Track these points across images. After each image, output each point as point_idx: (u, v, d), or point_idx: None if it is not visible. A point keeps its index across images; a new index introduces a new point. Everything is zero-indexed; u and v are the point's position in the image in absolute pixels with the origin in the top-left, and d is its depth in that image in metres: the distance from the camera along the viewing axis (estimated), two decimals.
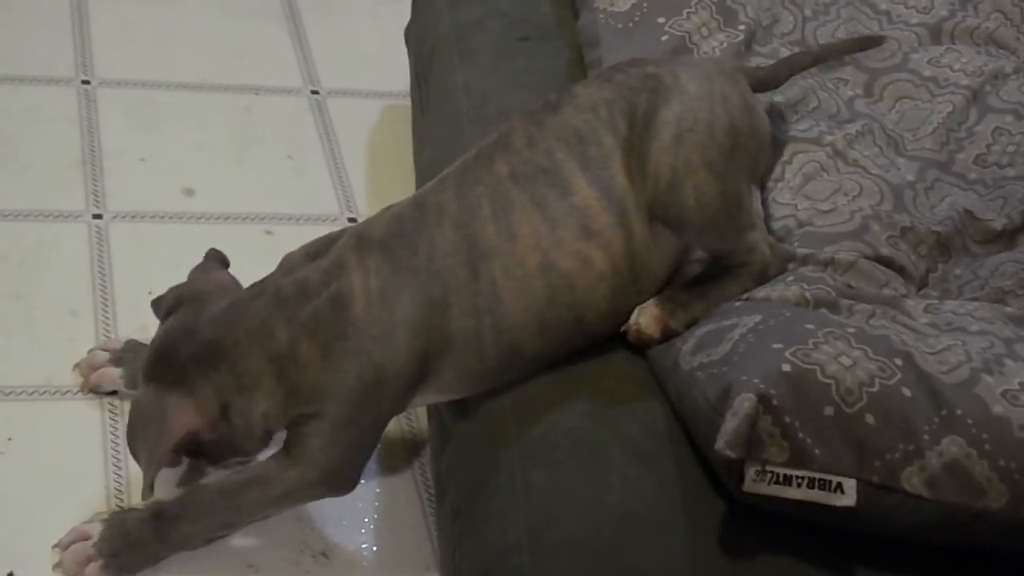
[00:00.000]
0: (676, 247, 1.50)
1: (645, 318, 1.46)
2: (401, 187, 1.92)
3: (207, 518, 1.46)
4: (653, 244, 1.46)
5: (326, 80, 2.28)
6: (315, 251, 1.49)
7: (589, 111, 1.48)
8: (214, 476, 1.50)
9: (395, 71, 2.24)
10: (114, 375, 1.64)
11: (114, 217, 1.92)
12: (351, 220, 2.02)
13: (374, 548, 1.57)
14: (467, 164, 1.48)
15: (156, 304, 1.55)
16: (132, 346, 1.66)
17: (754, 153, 1.51)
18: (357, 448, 1.45)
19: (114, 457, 1.60)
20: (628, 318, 1.46)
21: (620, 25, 1.77)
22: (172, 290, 1.53)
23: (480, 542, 1.33)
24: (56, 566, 1.44)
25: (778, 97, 1.68)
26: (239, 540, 1.52)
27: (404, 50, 2.17)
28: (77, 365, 1.67)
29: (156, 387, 1.43)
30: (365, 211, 2.03)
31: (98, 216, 1.92)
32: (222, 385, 1.42)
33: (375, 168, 2.14)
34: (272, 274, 1.50)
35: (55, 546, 1.45)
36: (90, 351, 1.67)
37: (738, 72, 1.58)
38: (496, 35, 1.91)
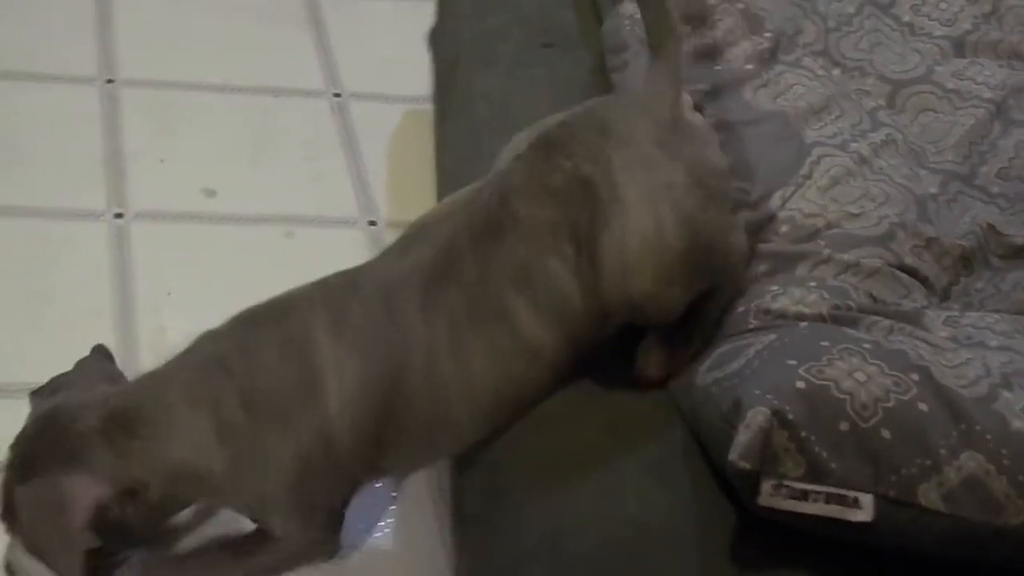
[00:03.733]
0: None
1: (652, 368, 1.45)
2: (421, 191, 1.92)
3: None
4: (604, 326, 1.44)
5: (348, 83, 2.29)
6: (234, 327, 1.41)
7: (533, 239, 1.41)
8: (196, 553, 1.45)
9: (417, 75, 2.24)
10: None
11: (135, 217, 1.93)
12: (371, 223, 2.02)
13: (389, 553, 1.58)
14: (430, 283, 1.41)
15: (36, 394, 1.44)
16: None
17: (720, 197, 1.46)
18: (329, 521, 1.45)
19: None
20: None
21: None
22: (52, 379, 1.44)
23: (494, 552, 1.33)
24: None
25: (801, 103, 1.67)
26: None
27: (427, 54, 2.17)
28: None
29: (40, 478, 1.31)
30: (385, 215, 2.03)
31: (119, 216, 1.92)
32: (143, 454, 1.32)
33: (395, 172, 2.14)
34: (193, 345, 1.41)
35: None
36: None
37: (675, 110, 1.47)
38: (519, 42, 1.91)
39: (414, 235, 1.47)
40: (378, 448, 1.41)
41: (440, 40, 2.12)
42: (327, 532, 1.46)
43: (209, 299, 1.81)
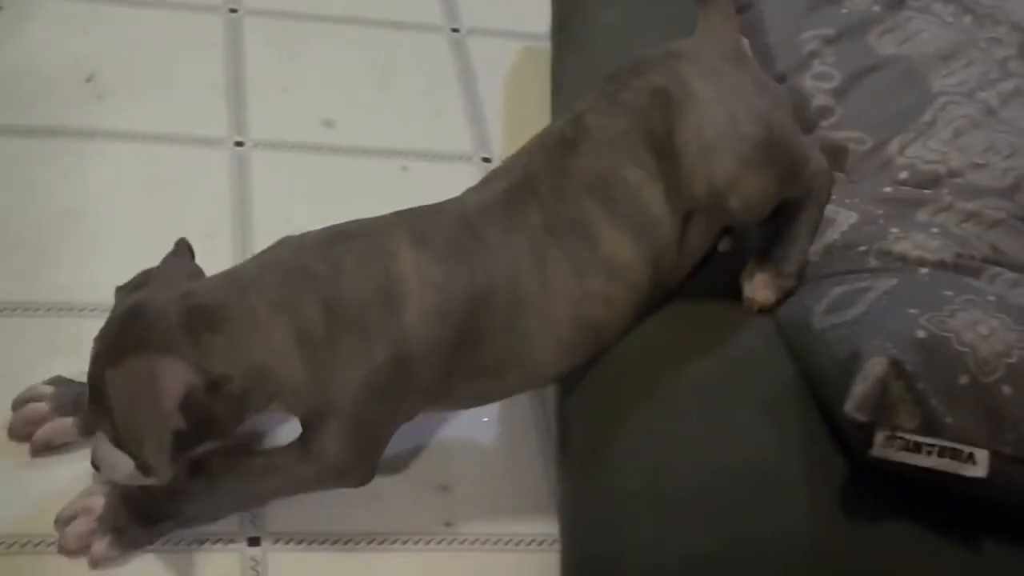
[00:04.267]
0: (713, 234, 1.52)
1: (758, 291, 1.46)
2: (536, 129, 1.89)
3: (221, 498, 1.44)
4: (686, 250, 1.48)
5: (467, 18, 2.28)
6: (321, 239, 1.43)
7: (607, 148, 1.45)
8: (224, 458, 1.44)
9: (535, 12, 2.23)
10: (65, 425, 1.48)
11: (255, 145, 1.96)
12: (485, 160, 2.02)
13: (493, 486, 1.59)
14: (510, 204, 1.45)
15: (122, 289, 1.46)
16: (64, 384, 1.50)
17: (786, 106, 1.52)
18: (372, 449, 1.46)
19: None
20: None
21: None
22: (137, 275, 1.46)
23: (599, 488, 1.34)
24: (59, 545, 1.39)
25: (928, 49, 1.63)
26: None
27: None
28: (10, 427, 1.48)
29: (134, 358, 1.31)
30: (499, 152, 2.03)
31: (239, 144, 1.95)
32: (225, 350, 1.34)
33: (511, 109, 2.14)
34: (273, 250, 1.45)
35: (56, 521, 1.40)
36: (16, 406, 1.49)
37: (736, 42, 1.56)
38: None
39: (495, 170, 1.52)
40: (448, 374, 1.43)
41: None
42: (367, 460, 1.46)
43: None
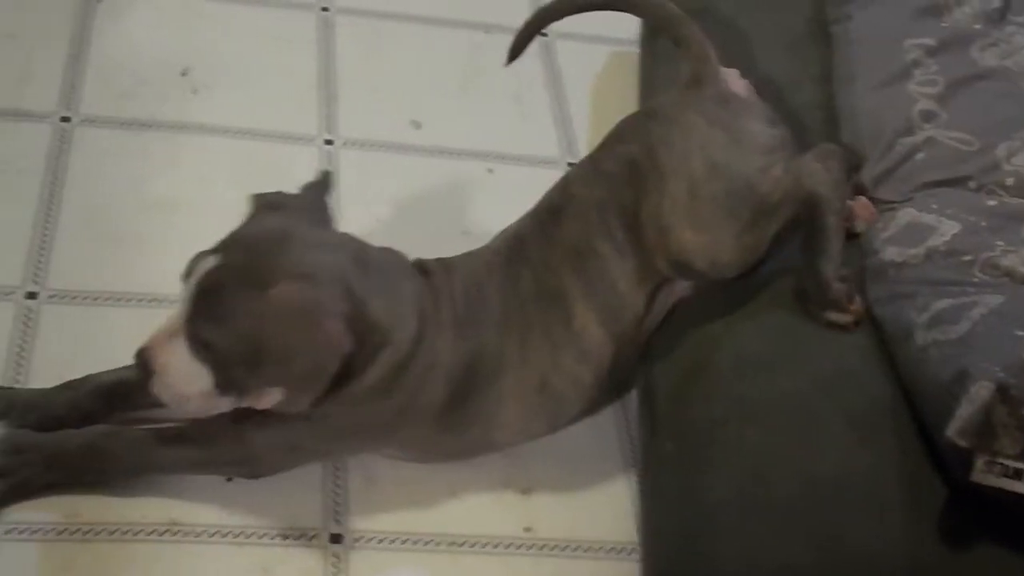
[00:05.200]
0: (676, 293, 1.54)
1: (812, 305, 1.46)
2: None
3: (134, 461, 1.43)
4: (647, 325, 1.53)
5: (556, 23, 2.27)
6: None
7: (583, 219, 1.50)
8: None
9: (624, 18, 2.21)
10: None
11: (344, 144, 1.97)
12: (571, 165, 2.02)
13: (573, 492, 1.59)
14: (507, 263, 1.51)
15: (259, 198, 1.46)
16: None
17: (760, 146, 1.50)
18: (294, 461, 1.47)
19: None
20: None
21: None
22: (276, 193, 1.47)
23: (689, 497, 1.34)
24: None
25: None
26: (445, 469, 1.56)
27: None
28: None
29: (299, 283, 1.31)
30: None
31: (329, 142, 1.97)
32: (373, 300, 1.36)
33: (598, 113, 2.13)
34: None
35: None
36: None
37: (716, 83, 1.56)
38: None
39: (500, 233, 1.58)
40: (426, 427, 1.46)
41: None
42: (281, 467, 1.46)
43: (413, 227, 1.85)
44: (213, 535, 1.46)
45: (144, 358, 1.35)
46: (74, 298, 1.66)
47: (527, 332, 1.48)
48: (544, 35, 2.25)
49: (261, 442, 1.42)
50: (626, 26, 2.22)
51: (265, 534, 1.47)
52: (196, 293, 1.34)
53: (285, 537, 1.47)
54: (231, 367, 1.33)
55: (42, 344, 1.59)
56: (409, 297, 1.42)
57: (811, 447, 1.30)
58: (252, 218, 1.43)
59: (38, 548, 1.41)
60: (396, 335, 1.39)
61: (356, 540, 1.49)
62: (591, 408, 1.59)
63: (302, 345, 1.30)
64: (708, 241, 1.45)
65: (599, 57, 2.23)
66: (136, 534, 1.44)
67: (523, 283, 1.50)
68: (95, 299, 1.65)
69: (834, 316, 1.45)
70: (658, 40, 1.97)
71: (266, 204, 1.45)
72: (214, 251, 1.36)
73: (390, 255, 1.48)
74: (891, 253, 1.47)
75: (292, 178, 1.87)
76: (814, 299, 1.46)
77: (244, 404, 1.37)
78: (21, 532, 1.41)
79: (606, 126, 2.08)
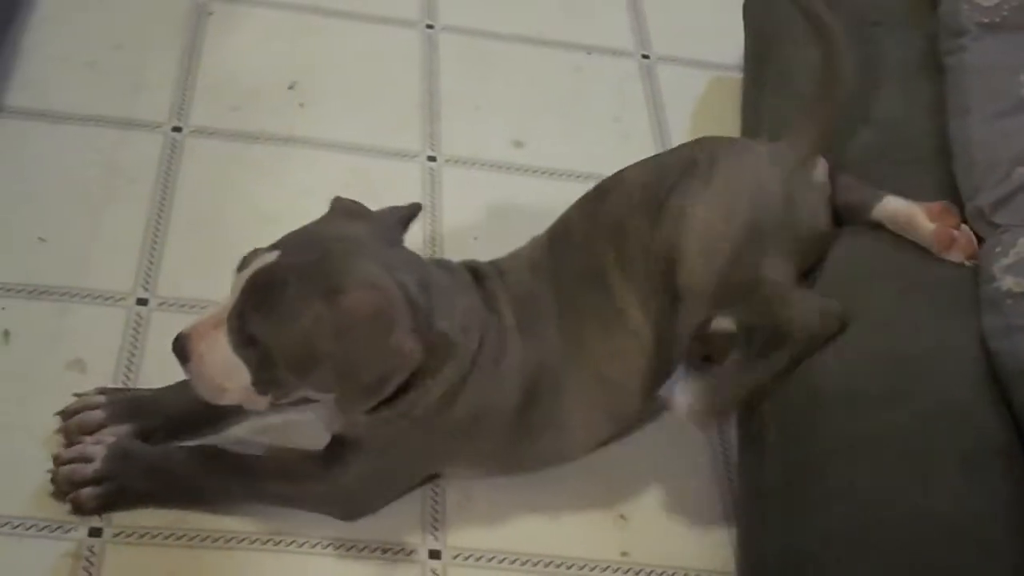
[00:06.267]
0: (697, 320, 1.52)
1: (679, 395, 1.53)
2: None
3: (220, 484, 1.44)
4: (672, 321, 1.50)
5: (657, 45, 2.28)
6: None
7: (627, 197, 1.52)
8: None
9: (726, 42, 2.22)
10: (123, 432, 1.46)
11: (447, 161, 1.99)
12: None
13: (670, 518, 1.59)
14: (548, 253, 1.55)
15: (340, 200, 1.46)
16: (113, 392, 1.50)
17: (787, 239, 1.49)
18: (387, 494, 1.49)
19: None
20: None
21: (986, 20, 1.71)
22: (355, 202, 1.46)
23: (794, 527, 1.33)
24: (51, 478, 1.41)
25: None
26: (550, 493, 1.57)
27: (736, 22, 2.15)
28: (65, 435, 1.46)
29: (370, 290, 1.31)
30: None
31: (432, 159, 1.98)
32: (434, 319, 1.37)
33: (698, 137, 2.12)
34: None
35: (54, 458, 1.42)
36: (67, 416, 1.47)
37: (795, 163, 1.54)
38: (846, 19, 1.86)
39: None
40: (501, 436, 1.48)
41: (755, 11, 2.10)
42: (377, 502, 1.49)
43: (512, 246, 1.85)
44: (315, 546, 1.47)
45: (182, 344, 1.33)
46: (182, 306, 1.68)
47: (579, 322, 1.49)
48: (646, 57, 2.26)
49: (344, 480, 1.44)
50: (728, 51, 2.22)
51: (365, 547, 1.48)
52: (249, 286, 1.32)
53: (384, 551, 1.49)
54: (275, 366, 1.32)
55: (152, 350, 1.61)
56: (472, 310, 1.44)
57: (922, 485, 1.28)
58: (324, 219, 1.43)
59: (146, 552, 1.43)
60: (461, 349, 1.40)
61: (454, 556, 1.50)
62: (649, 404, 1.58)
63: (371, 354, 1.30)
64: (702, 264, 1.44)
65: (700, 81, 2.23)
66: (240, 542, 1.46)
67: (568, 265, 1.51)
68: (203, 307, 1.68)
69: (678, 405, 1.52)
70: (763, 67, 1.97)
71: (344, 209, 1.45)
72: (274, 247, 1.36)
73: (449, 268, 1.50)
74: (1008, 282, 1.44)
75: (395, 193, 1.90)
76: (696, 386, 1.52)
77: (282, 402, 1.38)
78: (129, 536, 1.44)
79: None
